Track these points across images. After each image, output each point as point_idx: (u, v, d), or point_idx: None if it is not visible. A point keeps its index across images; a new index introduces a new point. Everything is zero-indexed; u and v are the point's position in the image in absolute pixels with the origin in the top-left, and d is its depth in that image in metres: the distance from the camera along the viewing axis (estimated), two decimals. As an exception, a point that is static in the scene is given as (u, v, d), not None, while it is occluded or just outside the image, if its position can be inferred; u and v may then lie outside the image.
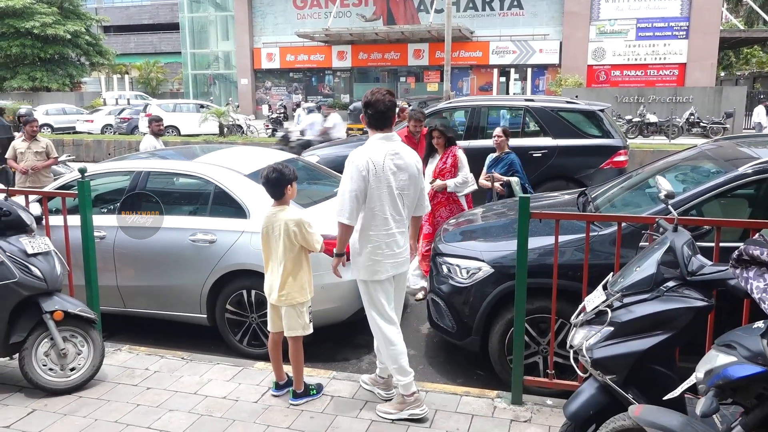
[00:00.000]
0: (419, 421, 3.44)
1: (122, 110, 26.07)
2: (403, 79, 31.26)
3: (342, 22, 29.89)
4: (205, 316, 4.72)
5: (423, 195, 3.67)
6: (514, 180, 6.11)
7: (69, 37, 32.02)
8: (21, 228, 3.88)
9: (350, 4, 30.66)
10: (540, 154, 8.15)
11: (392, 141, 3.48)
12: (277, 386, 3.82)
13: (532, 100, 8.92)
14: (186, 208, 5.17)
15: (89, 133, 23.90)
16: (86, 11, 35.66)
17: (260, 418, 3.52)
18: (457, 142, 6.13)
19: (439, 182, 5.77)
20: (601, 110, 8.41)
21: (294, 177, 3.64)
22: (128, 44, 45.51)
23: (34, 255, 3.82)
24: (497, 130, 6.52)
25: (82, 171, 4.37)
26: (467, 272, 4.09)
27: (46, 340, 3.82)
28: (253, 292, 4.53)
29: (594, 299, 2.75)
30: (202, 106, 24.44)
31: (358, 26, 29.61)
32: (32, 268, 3.77)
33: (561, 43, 27.64)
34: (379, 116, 3.44)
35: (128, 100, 32.40)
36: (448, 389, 3.86)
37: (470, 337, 4.10)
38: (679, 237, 2.66)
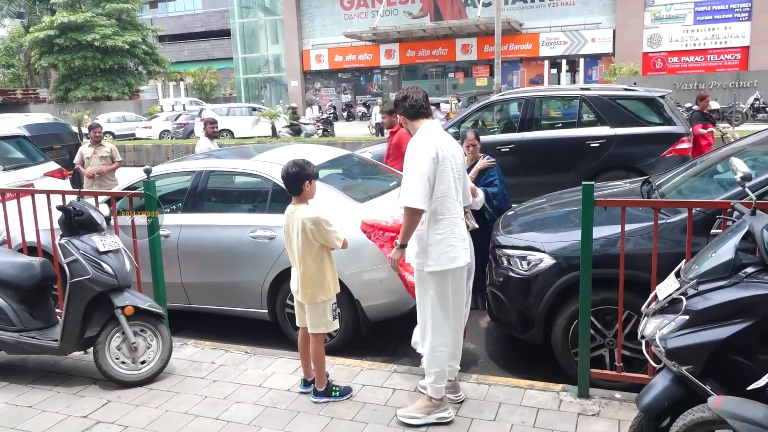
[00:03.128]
0: (447, 424, 3.33)
1: (178, 116, 26.94)
2: (451, 74, 31.11)
3: (389, 20, 29.97)
4: (266, 311, 4.81)
5: (467, 185, 3.59)
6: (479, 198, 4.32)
7: (127, 47, 33.35)
8: (93, 227, 4.05)
9: (397, 2, 30.73)
10: (597, 144, 7.92)
11: (440, 128, 3.46)
12: (305, 383, 3.80)
13: (588, 89, 8.68)
14: (246, 206, 5.28)
15: (148, 138, 24.79)
16: (142, 22, 37.02)
17: (324, 410, 3.56)
18: (513, 135, 5.76)
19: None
20: (662, 96, 8.11)
21: (314, 174, 3.58)
22: (182, 52, 46.98)
23: (106, 253, 3.97)
24: (470, 137, 5.40)
25: (148, 171, 4.52)
26: (528, 264, 4.01)
27: (118, 334, 3.97)
28: (312, 286, 4.57)
29: (667, 287, 2.65)
30: (254, 109, 24.97)
31: (405, 24, 29.64)
32: (104, 265, 3.92)
33: (614, 31, 26.89)
34: (421, 103, 3.38)
35: (184, 106, 33.41)
36: (512, 382, 3.80)
37: (532, 330, 4.02)
38: (758, 221, 2.53)
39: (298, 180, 3.53)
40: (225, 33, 40.33)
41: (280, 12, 33.62)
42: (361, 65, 32.50)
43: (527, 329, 4.05)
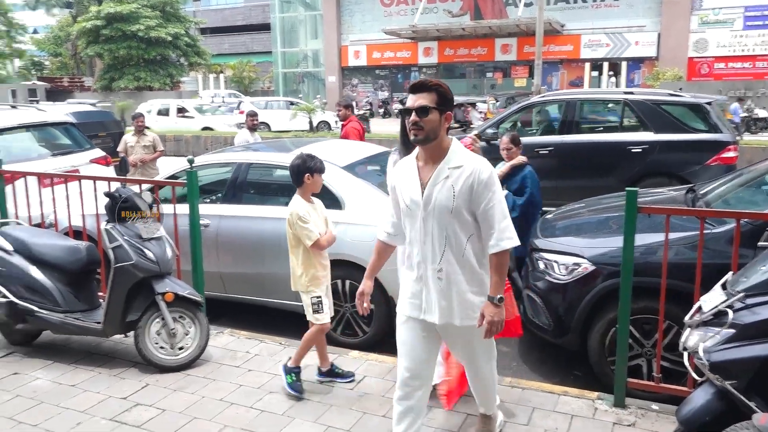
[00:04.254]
0: None
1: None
2: (489, 74, 30.85)
3: (429, 18, 29.83)
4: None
5: None
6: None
7: (170, 39, 33.93)
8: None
9: (437, 0, 30.57)
10: (640, 150, 7.76)
11: None
12: (319, 372, 3.93)
13: (631, 93, 8.51)
14: (284, 199, 5.32)
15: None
16: (185, 14, 37.62)
17: (356, 405, 3.59)
18: (552, 137, 5.71)
19: None
20: (709, 103, 7.90)
21: (317, 169, 3.68)
22: (223, 45, 47.60)
23: (149, 239, 4.07)
24: (505, 140, 5.32)
25: (191, 161, 4.61)
26: (566, 268, 3.96)
27: (157, 319, 4.07)
28: (347, 282, 4.61)
29: (712, 299, 2.59)
30: (291, 103, 25.20)
31: (444, 22, 29.48)
32: (146, 251, 4.02)
33: (659, 34, 26.28)
34: None
35: (223, 98, 33.90)
36: (546, 387, 3.77)
37: (568, 336, 3.98)
38: (811, 235, 2.46)
39: (299, 172, 3.67)
40: (265, 27, 40.73)
41: (320, 7, 33.81)
42: (399, 62, 32.46)
43: (563, 335, 4.01)
